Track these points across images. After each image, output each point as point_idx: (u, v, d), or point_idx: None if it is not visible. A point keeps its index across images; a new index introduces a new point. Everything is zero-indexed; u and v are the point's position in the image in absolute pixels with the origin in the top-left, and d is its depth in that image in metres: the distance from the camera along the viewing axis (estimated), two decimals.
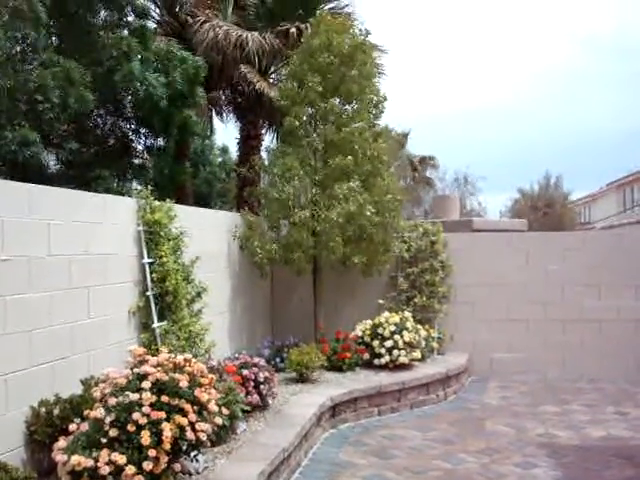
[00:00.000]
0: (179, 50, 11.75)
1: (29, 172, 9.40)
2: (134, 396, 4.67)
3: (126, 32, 11.26)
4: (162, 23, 14.89)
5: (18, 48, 9.63)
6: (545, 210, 36.82)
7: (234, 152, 18.11)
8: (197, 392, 4.84)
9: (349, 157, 9.37)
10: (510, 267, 10.82)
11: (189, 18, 13.85)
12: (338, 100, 9.99)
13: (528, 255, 10.84)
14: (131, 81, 10.43)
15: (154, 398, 4.67)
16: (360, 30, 10.36)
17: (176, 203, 7.75)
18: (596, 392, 9.77)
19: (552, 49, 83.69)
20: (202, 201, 18.53)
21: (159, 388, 4.76)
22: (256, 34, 13.79)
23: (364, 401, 8.29)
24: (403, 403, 8.72)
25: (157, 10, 15.31)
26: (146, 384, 4.74)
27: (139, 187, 11.88)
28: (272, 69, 15.22)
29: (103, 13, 11.03)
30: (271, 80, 15.05)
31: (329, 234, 9.17)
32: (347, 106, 10.09)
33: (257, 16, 14.91)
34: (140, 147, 12.21)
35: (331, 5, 15.38)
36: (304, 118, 9.85)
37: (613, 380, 10.28)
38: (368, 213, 9.25)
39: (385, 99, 10.37)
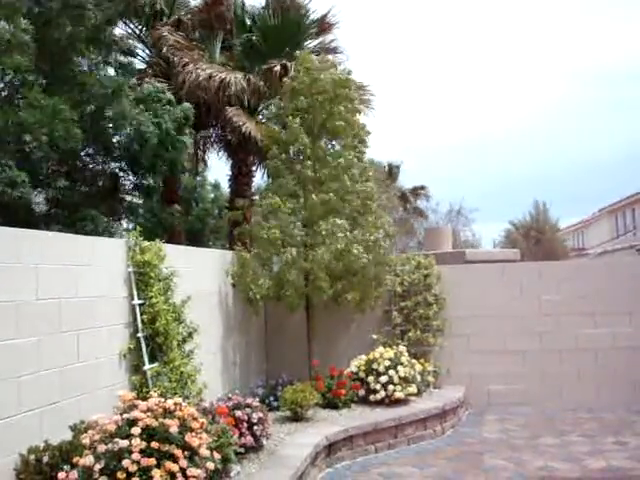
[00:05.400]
0: (167, 91, 11.80)
1: (17, 213, 9.37)
2: (123, 443, 4.59)
3: (113, 71, 11.33)
4: (150, 64, 14.98)
5: (5, 85, 9.65)
6: (537, 237, 36.88)
7: (226, 188, 18.14)
8: (188, 437, 4.77)
9: (331, 194, 9.40)
10: (504, 298, 10.78)
11: (175, 58, 13.91)
12: (325, 137, 10.07)
13: (522, 285, 10.82)
14: (122, 119, 10.45)
15: (144, 444, 4.60)
16: (343, 69, 10.49)
17: (167, 241, 7.72)
18: (595, 422, 9.66)
19: (542, 81, 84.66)
20: (195, 238, 18.49)
21: (149, 434, 4.69)
22: (240, 76, 13.84)
23: (360, 438, 8.17)
24: (400, 439, 8.59)
25: (146, 51, 15.46)
26: (136, 430, 4.67)
27: (130, 226, 11.88)
28: (260, 107, 15.29)
29: (90, 52, 11.07)
30: (260, 117, 15.12)
31: (317, 274, 9.16)
32: (333, 142, 10.15)
33: (244, 55, 15.02)
34: (129, 186, 12.21)
35: (317, 41, 15.53)
36: (290, 156, 9.89)
37: (611, 409, 10.19)
38: (355, 252, 9.23)
39: (368, 133, 10.44)
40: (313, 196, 9.50)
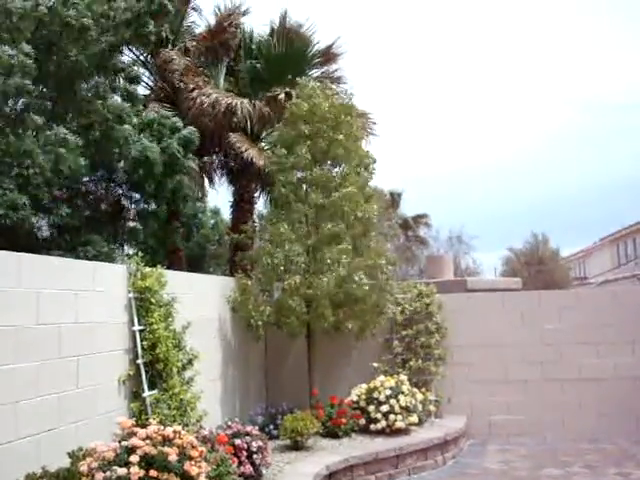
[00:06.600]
0: (172, 117, 11.88)
1: (19, 237, 9.36)
2: (122, 470, 4.56)
3: (118, 98, 11.38)
4: (155, 89, 15.08)
5: (9, 110, 9.68)
6: (538, 268, 36.80)
7: (226, 214, 18.16)
8: (186, 465, 4.73)
9: (340, 225, 9.41)
10: (506, 327, 10.73)
11: (181, 84, 14.00)
12: (329, 163, 10.12)
13: (523, 314, 10.77)
14: (125, 144, 10.47)
15: (142, 472, 4.56)
16: (344, 93, 10.55)
17: (169, 267, 7.72)
18: (597, 453, 9.58)
19: (545, 109, 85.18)
20: (195, 264, 18.44)
21: (147, 462, 4.66)
22: (246, 101, 13.92)
23: (360, 468, 8.10)
24: (401, 469, 8.51)
25: (150, 77, 15.55)
26: (134, 458, 4.63)
27: (131, 251, 11.86)
28: (263, 134, 15.36)
29: (95, 79, 11.14)
30: (263, 144, 15.17)
31: (320, 301, 9.14)
32: (337, 169, 10.19)
33: (249, 82, 15.11)
34: (132, 211, 12.21)
35: (321, 70, 15.62)
36: (294, 183, 9.92)
37: (613, 440, 10.10)
38: (357, 278, 9.20)
39: (374, 161, 10.48)
40: (327, 225, 9.48)
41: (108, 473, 4.59)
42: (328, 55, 15.49)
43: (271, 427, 8.92)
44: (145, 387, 6.78)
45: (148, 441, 4.85)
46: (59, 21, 9.67)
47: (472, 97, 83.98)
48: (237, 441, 6.87)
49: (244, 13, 15.50)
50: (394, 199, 34.01)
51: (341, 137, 9.97)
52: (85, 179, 11.23)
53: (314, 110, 10.02)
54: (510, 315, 10.78)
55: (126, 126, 10.47)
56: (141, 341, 6.86)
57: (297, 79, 11.15)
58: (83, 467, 4.80)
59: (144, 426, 5.23)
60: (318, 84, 10.71)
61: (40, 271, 5.65)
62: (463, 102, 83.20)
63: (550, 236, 39.07)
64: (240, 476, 6.47)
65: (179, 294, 7.54)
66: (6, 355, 5.11)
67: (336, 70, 15.66)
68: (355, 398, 9.53)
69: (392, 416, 9.08)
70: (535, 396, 10.57)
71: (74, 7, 9.73)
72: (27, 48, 8.99)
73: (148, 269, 7.17)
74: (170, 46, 14.72)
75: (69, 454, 5.45)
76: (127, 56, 13.90)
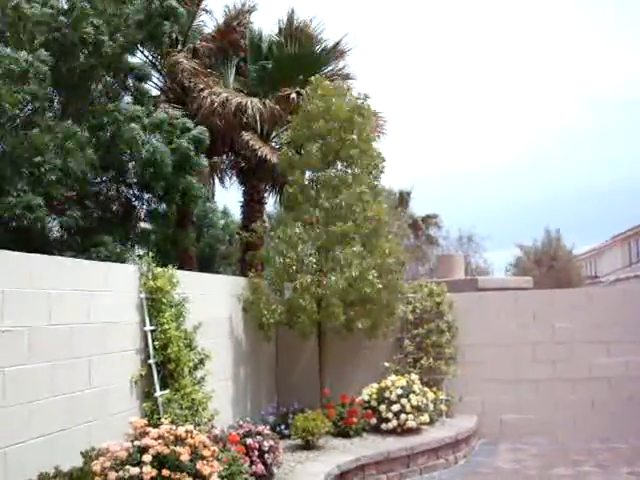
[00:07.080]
0: (182, 117, 11.91)
1: (32, 238, 9.41)
2: (134, 470, 4.57)
3: (129, 98, 11.44)
4: (165, 90, 15.13)
5: (21, 112, 9.74)
6: (550, 265, 36.58)
7: (236, 214, 18.21)
8: (199, 465, 4.75)
9: (349, 223, 9.40)
10: (517, 326, 10.70)
11: (190, 84, 14.04)
12: (339, 164, 10.10)
13: (535, 313, 10.73)
14: (135, 145, 10.50)
15: (155, 472, 4.58)
16: (359, 94, 10.51)
17: (180, 267, 7.74)
18: (609, 452, 9.55)
19: (552, 107, 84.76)
20: (205, 264, 18.51)
21: (160, 461, 4.67)
22: (256, 100, 13.96)
23: (372, 468, 8.11)
24: (412, 469, 8.51)
25: (160, 78, 15.60)
26: (147, 457, 4.65)
27: (141, 252, 11.90)
28: (274, 134, 15.38)
29: (106, 80, 11.19)
30: (273, 144, 15.20)
31: (330, 300, 9.13)
32: (348, 169, 10.16)
33: (258, 82, 15.15)
34: (143, 212, 12.25)
35: (329, 68, 15.62)
36: (305, 183, 9.91)
37: (625, 439, 10.05)
38: (371, 277, 9.19)
39: (384, 160, 10.45)
40: (335, 225, 9.48)
41: (121, 473, 4.61)
42: (336, 52, 15.52)
43: (282, 427, 8.94)
44: (157, 387, 6.80)
45: (160, 441, 4.86)
46: (76, 36, 9.75)
47: (479, 95, 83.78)
48: (249, 440, 6.88)
49: (250, 10, 15.55)
50: (403, 198, 33.94)
51: (354, 137, 9.94)
52: (95, 180, 11.27)
53: (327, 109, 9.99)
54: (521, 314, 10.75)
55: (133, 125, 10.49)
56: (153, 341, 6.88)
57: (309, 78, 11.12)
58: (96, 467, 4.82)
59: (156, 426, 5.25)
60: (330, 82, 10.67)
61: (52, 271, 5.68)
62: (470, 101, 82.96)
63: (563, 233, 38.80)
64: (252, 475, 6.49)
65: (190, 294, 7.56)
66: (19, 355, 5.13)
67: (344, 67, 15.71)
68: (366, 397, 9.52)
69: (403, 415, 9.08)
70: (546, 395, 10.54)
71: (91, 23, 9.78)
72: (43, 55, 9.06)
73: (159, 269, 7.19)
74: (180, 46, 14.77)
75: (82, 454, 5.47)
76: (137, 57, 13.96)
